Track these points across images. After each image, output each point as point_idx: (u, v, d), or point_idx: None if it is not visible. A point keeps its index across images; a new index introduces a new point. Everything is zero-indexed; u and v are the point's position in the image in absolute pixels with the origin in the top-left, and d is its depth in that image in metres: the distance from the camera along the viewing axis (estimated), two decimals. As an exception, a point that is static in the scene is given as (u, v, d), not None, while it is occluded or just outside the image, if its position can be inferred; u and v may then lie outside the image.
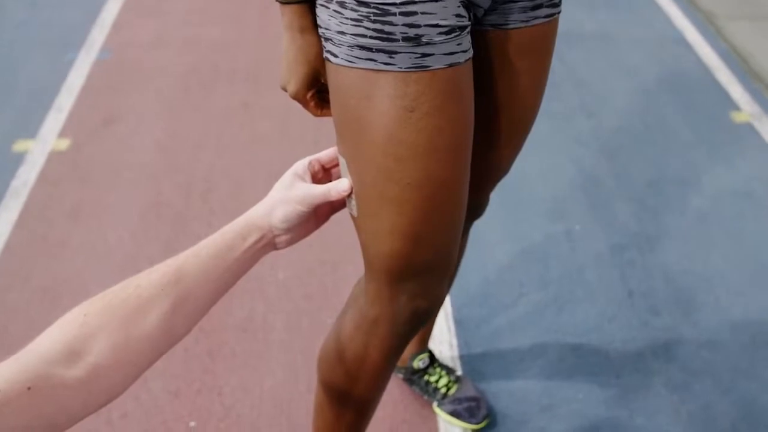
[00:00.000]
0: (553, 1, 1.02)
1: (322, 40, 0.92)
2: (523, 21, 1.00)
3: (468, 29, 0.92)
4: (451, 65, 0.88)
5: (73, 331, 0.75)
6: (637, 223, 2.06)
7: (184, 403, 1.59)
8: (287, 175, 0.96)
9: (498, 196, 2.15)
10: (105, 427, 1.54)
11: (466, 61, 0.92)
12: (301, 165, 0.98)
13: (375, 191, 0.93)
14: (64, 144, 2.36)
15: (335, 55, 0.90)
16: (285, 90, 1.00)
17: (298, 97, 0.99)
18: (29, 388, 0.68)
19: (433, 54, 0.87)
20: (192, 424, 1.55)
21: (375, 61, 0.87)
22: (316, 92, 0.99)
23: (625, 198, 2.15)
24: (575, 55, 2.84)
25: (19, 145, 2.35)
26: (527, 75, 1.05)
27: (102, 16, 3.08)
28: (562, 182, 2.21)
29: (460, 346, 1.71)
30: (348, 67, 0.89)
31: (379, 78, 0.88)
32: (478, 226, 2.03)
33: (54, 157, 2.31)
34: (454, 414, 1.52)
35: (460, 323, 1.76)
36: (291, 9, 0.94)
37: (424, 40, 0.86)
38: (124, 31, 3.00)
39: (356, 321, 1.08)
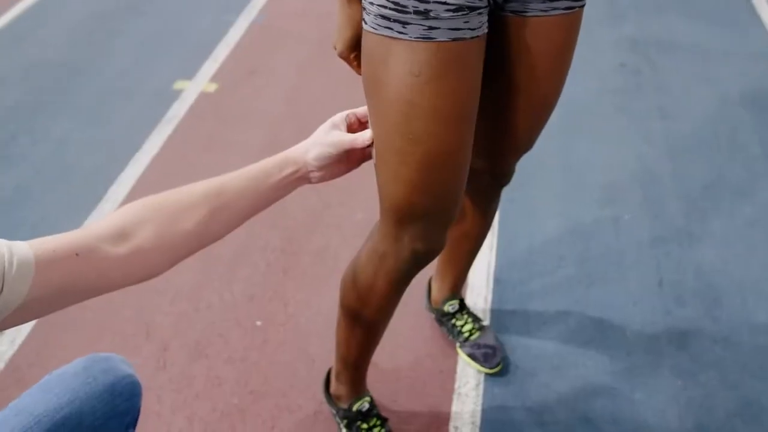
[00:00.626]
0: None
1: (363, 9, 0.90)
2: (542, 10, 0.93)
3: (480, 10, 0.87)
4: (455, 39, 0.85)
5: (128, 218, 0.79)
6: (684, 220, 1.89)
7: (256, 306, 1.64)
8: (327, 123, 0.97)
9: (559, 176, 2.05)
10: (193, 312, 1.63)
11: (473, 38, 0.87)
12: (339, 116, 0.98)
13: (386, 142, 0.92)
14: (212, 87, 2.47)
15: (366, 22, 0.89)
16: (335, 49, 1.00)
17: (343, 57, 1.00)
18: (77, 254, 0.72)
19: (439, 28, 0.84)
20: (258, 323, 1.60)
21: (392, 29, 0.85)
22: (359, 54, 0.98)
23: (678, 196, 1.97)
24: (665, 62, 2.60)
25: (179, 84, 2.48)
26: (545, 62, 0.98)
27: (264, -13, 3.16)
28: (621, 174, 2.06)
29: (493, 301, 1.65)
30: (372, 32, 0.88)
31: (394, 44, 0.86)
32: (533, 199, 1.95)
33: (202, 97, 2.42)
34: (472, 356, 1.48)
35: (498, 281, 1.70)
36: None
37: (432, 14, 0.83)
38: (278, 1, 3.06)
39: (369, 254, 1.08)
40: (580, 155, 2.14)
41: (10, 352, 1.53)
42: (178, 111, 2.34)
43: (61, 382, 0.87)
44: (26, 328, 1.58)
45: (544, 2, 0.93)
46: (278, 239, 1.83)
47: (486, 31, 0.91)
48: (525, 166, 2.02)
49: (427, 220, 1.00)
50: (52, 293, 0.71)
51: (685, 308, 1.64)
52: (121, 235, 0.77)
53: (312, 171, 0.94)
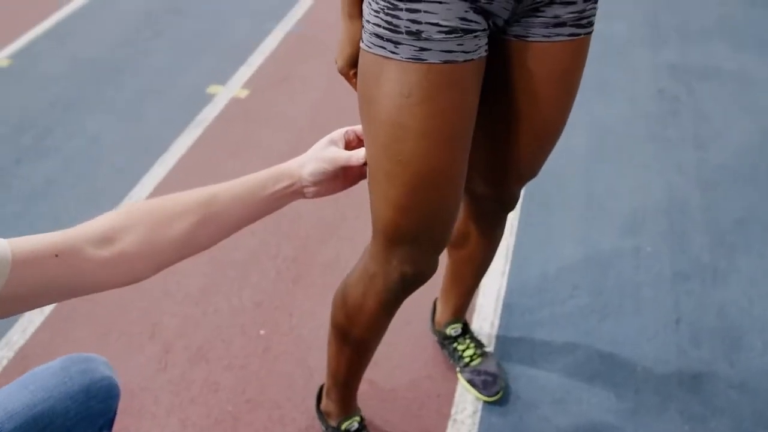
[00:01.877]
0: (579, 22, 0.90)
1: (362, 27, 0.90)
2: (544, 36, 0.90)
3: (477, 33, 0.85)
4: (446, 62, 0.83)
5: (116, 222, 0.78)
6: (709, 256, 1.80)
7: (262, 314, 1.64)
8: (325, 139, 0.96)
9: (582, 201, 1.99)
10: (200, 316, 1.64)
11: (467, 61, 0.85)
12: (338, 132, 0.97)
13: (377, 163, 0.91)
14: (244, 93, 2.50)
15: (362, 40, 0.89)
16: (336, 64, 0.99)
17: (342, 73, 0.99)
18: (57, 255, 0.72)
19: (430, 49, 0.83)
20: (262, 332, 1.60)
21: (384, 48, 0.85)
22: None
23: (705, 231, 1.88)
24: (705, 89, 2.51)
25: (212, 89, 2.52)
26: (548, 88, 0.94)
27: (305, -3, 3.19)
28: (648, 203, 1.98)
29: (500, 326, 1.61)
30: (367, 51, 0.87)
31: (386, 64, 0.85)
32: (552, 224, 1.90)
33: (233, 102, 2.45)
34: (471, 383, 1.44)
35: (507, 307, 1.66)
36: None
37: (423, 35, 0.82)
38: (319, 11, 3.08)
39: (360, 273, 1.06)
40: (606, 181, 2.08)
41: (20, 342, 1.56)
42: (208, 114, 2.38)
43: (38, 380, 0.88)
44: (38, 319, 1.61)
45: (546, 27, 0.90)
46: (291, 248, 1.83)
47: (484, 54, 0.89)
48: (547, 189, 1.99)
49: (417, 244, 0.98)
50: (27, 292, 0.71)
51: (701, 349, 1.56)
52: (107, 238, 0.77)
53: (307, 186, 0.93)
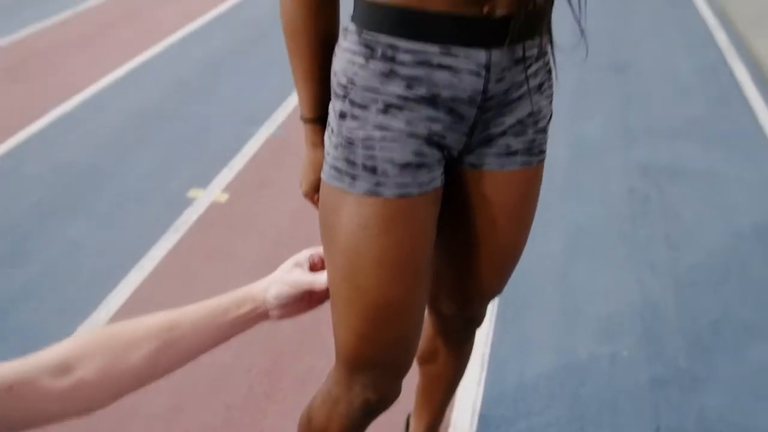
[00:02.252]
0: (531, 151, 0.94)
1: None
2: (498, 165, 0.94)
3: (431, 166, 0.88)
4: (401, 195, 0.86)
5: (75, 349, 0.77)
6: (686, 360, 1.79)
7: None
8: (289, 261, 0.98)
9: (557, 306, 1.99)
10: (167, 435, 1.59)
11: (422, 194, 0.88)
12: (303, 255, 0.99)
13: (337, 289, 0.92)
14: (224, 197, 2.53)
15: (323, 171, 0.92)
16: (300, 187, 1.05)
17: (307, 197, 1.05)
18: (11, 388, 0.70)
19: (385, 184, 0.86)
20: (230, 452, 1.55)
21: (342, 182, 0.88)
22: None
23: (682, 334, 1.88)
24: (675, 190, 2.57)
25: (192, 192, 2.56)
26: (504, 215, 0.98)
27: (288, 100, 3.30)
28: (622, 306, 1.99)
29: (476, 441, 1.57)
30: (326, 181, 0.91)
31: (345, 196, 0.88)
32: (528, 331, 1.89)
33: (213, 207, 2.48)
34: (445, 506, 1.39)
35: (483, 419, 1.62)
36: (307, 127, 1.01)
37: (379, 170, 0.86)
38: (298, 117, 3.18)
39: (324, 396, 1.06)
40: (581, 284, 2.09)
41: (-22, 467, 1.50)
42: (187, 219, 2.40)
43: None
44: (-2, 442, 1.55)
45: (500, 157, 0.94)
46: (265, 361, 1.80)
47: (439, 185, 0.92)
48: (522, 294, 2.00)
49: (378, 369, 0.98)
50: None
51: (683, 462, 1.52)
52: (65, 367, 0.75)
53: (272, 309, 0.93)
